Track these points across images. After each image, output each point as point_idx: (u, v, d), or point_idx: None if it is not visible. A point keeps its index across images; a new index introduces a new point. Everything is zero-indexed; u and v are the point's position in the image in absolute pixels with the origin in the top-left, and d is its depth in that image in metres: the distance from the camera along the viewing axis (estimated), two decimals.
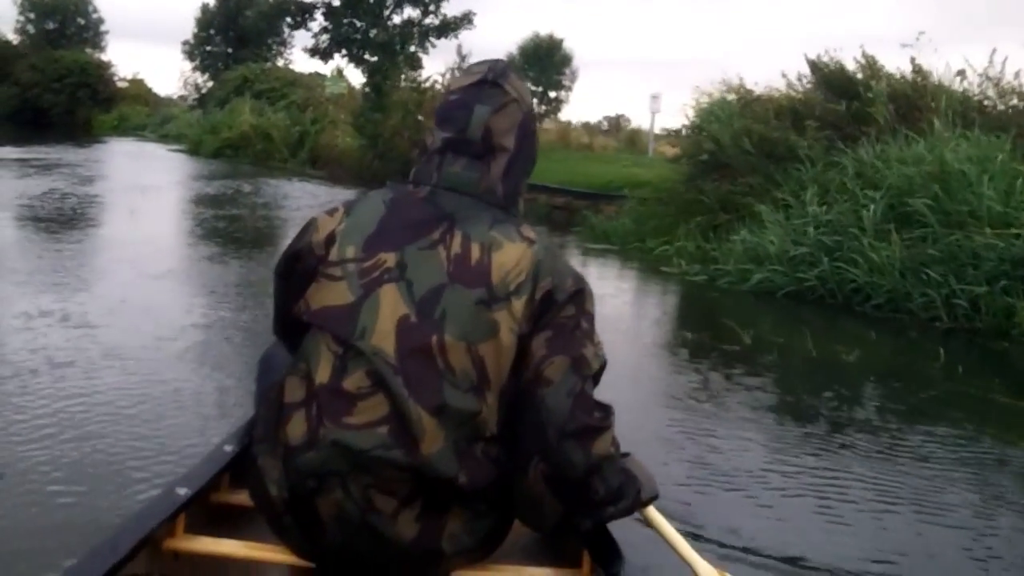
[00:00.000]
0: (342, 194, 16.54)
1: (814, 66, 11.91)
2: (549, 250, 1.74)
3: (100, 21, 48.33)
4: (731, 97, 12.32)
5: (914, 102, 10.72)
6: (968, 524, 3.63)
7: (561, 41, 35.35)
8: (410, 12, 23.76)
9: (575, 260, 9.52)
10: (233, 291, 7.49)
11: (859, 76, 11.33)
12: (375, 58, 23.53)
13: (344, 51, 23.92)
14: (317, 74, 32.48)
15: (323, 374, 1.64)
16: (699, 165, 11.58)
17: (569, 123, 29.75)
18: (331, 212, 1.81)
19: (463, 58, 22.46)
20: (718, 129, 11.29)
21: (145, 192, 15.68)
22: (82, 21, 47.61)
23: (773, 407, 5.15)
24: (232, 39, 41.13)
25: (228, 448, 2.11)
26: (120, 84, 46.18)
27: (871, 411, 5.14)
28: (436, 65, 40.58)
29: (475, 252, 1.68)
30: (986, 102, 10.80)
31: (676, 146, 13.30)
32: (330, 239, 1.74)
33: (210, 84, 40.07)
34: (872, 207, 8.82)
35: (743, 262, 9.33)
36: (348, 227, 1.75)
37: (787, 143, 10.62)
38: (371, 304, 1.66)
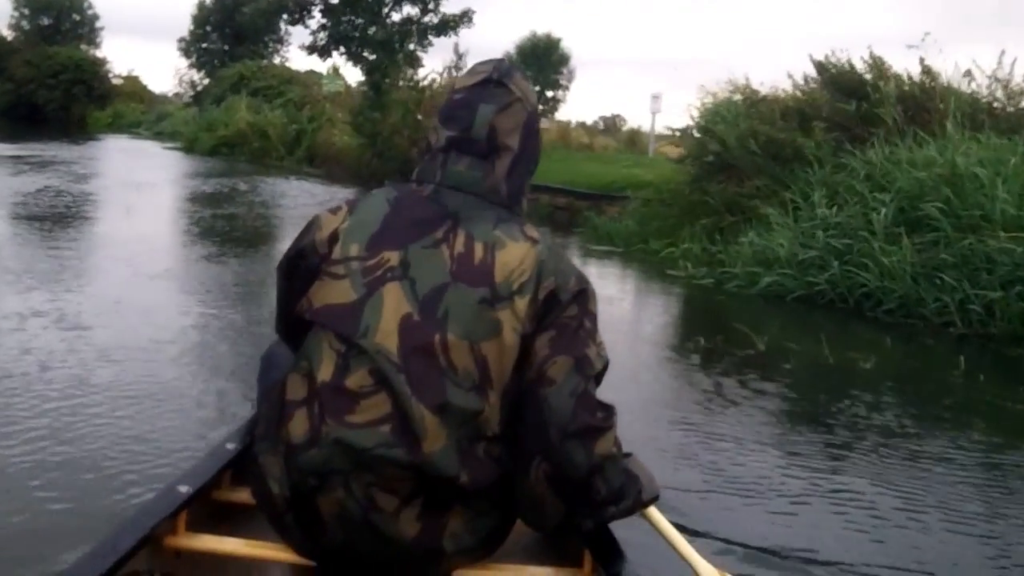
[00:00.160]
0: (340, 193, 16.45)
1: (821, 66, 11.75)
2: (552, 250, 1.74)
3: (95, 17, 48.34)
4: (737, 97, 12.15)
5: (923, 104, 10.57)
6: (994, 534, 3.53)
7: (559, 40, 35.38)
8: (409, 10, 23.58)
9: (579, 261, 9.32)
10: (231, 291, 7.37)
11: (867, 77, 11.15)
12: (374, 56, 23.34)
13: (343, 49, 23.72)
14: (313, 72, 32.38)
15: (325, 372, 1.64)
16: (704, 166, 11.41)
17: (569, 123, 29.62)
18: (334, 210, 1.81)
19: (460, 57, 22.46)
20: (724, 130, 11.11)
21: (141, 190, 15.56)
22: (77, 17, 47.52)
23: (792, 414, 5.01)
24: (229, 36, 40.96)
25: (230, 446, 2.12)
26: (115, 81, 46.23)
27: (892, 419, 4.98)
28: (433, 64, 40.46)
29: (478, 251, 1.68)
30: (995, 104, 10.64)
31: (680, 146, 13.13)
32: (333, 237, 1.74)
33: (206, 81, 39.93)
34: (882, 210, 8.65)
35: (751, 265, 9.16)
36: (351, 225, 1.74)
37: (794, 144, 10.45)
38: (374, 302, 1.66)
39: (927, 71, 10.96)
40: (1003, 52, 10.59)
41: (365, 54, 23.56)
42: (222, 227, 11.71)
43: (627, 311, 8.29)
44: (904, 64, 11.38)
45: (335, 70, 29.07)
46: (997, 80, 10.68)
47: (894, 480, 4.02)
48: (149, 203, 14.35)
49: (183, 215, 13.42)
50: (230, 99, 30.30)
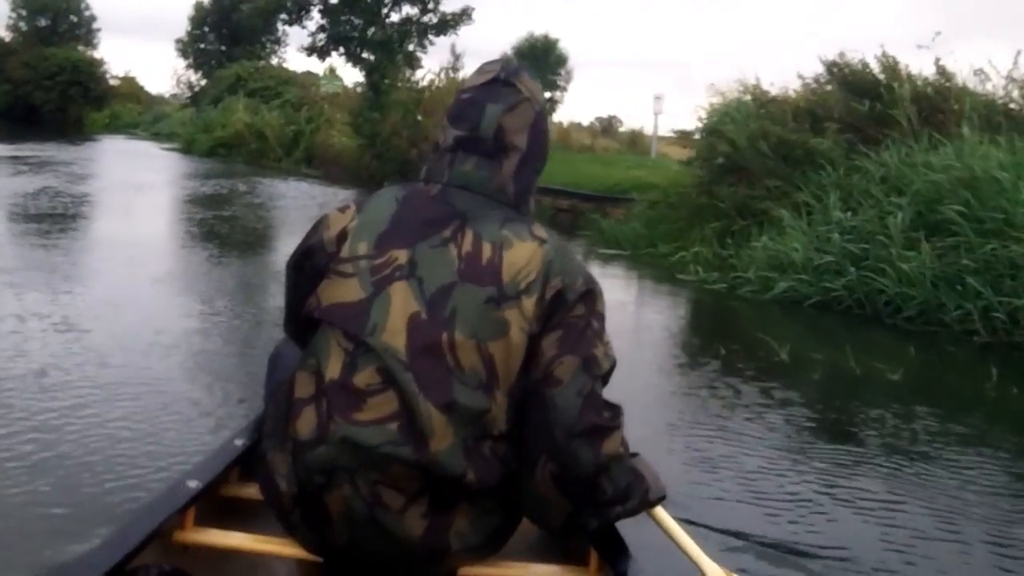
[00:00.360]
0: (340, 194, 16.29)
1: (831, 66, 11.52)
2: (560, 249, 1.73)
3: (92, 19, 48.11)
4: (747, 98, 11.92)
5: (937, 105, 10.36)
6: None
7: (556, 41, 35.26)
8: (408, 10, 23.35)
9: (586, 265, 9.09)
10: (231, 295, 7.22)
11: (880, 77, 10.92)
12: (373, 57, 23.11)
13: (342, 49, 23.48)
14: (310, 73, 32.22)
15: (333, 370, 1.64)
16: (713, 168, 11.17)
17: (562, 124, 29.38)
18: (343, 209, 1.81)
19: (457, 58, 22.22)
20: (734, 131, 10.86)
21: (139, 191, 15.45)
22: (74, 18, 47.31)
23: (828, 431, 4.78)
24: (226, 37, 40.74)
25: (238, 442, 2.13)
26: (112, 82, 46.11)
27: (928, 435, 4.73)
28: (430, 64, 40.23)
29: (486, 250, 1.68)
30: (1012, 105, 10.41)
31: (688, 147, 12.88)
32: (342, 236, 1.74)
33: (203, 82, 39.72)
34: (899, 214, 8.44)
35: (765, 270, 8.94)
36: (360, 224, 1.74)
37: (806, 146, 10.23)
38: (382, 301, 1.65)
39: (942, 71, 10.73)
40: (1019, 52, 10.37)
41: (364, 55, 23.33)
42: (221, 229, 11.55)
43: (641, 317, 8.06)
44: (914, 64, 11.05)
45: (331, 71, 28.91)
46: (1013, 80, 10.45)
47: (937, 499, 3.83)
48: (148, 204, 14.23)
49: (182, 217, 13.24)
50: (227, 100, 30.20)
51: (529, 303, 1.64)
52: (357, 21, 23.21)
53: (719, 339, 6.98)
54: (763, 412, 4.96)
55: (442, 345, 1.62)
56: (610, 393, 1.66)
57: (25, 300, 6.07)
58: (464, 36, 23.56)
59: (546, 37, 35.62)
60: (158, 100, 46.30)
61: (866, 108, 10.41)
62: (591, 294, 1.71)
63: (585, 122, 36.53)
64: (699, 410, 5.00)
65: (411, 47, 23.44)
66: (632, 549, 1.77)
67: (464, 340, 1.62)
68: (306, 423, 1.65)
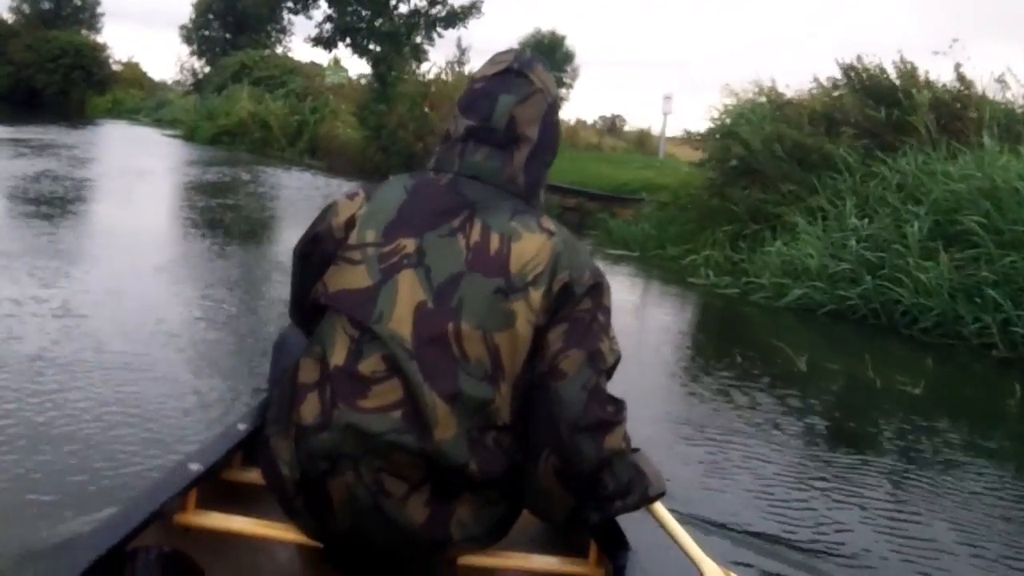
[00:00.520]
0: (345, 186, 15.96)
1: (848, 70, 11.36)
2: (568, 243, 1.73)
3: (96, 3, 47.62)
4: (761, 100, 11.75)
5: (956, 112, 10.20)
6: None
7: (563, 38, 35.08)
8: (417, 1, 23.14)
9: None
10: (233, 284, 7.08)
11: (898, 83, 10.76)
12: (380, 48, 22.90)
13: (348, 40, 23.27)
14: (314, 63, 32.02)
15: (338, 357, 1.64)
16: (726, 170, 11.00)
17: (569, 122, 29.21)
18: (351, 196, 1.81)
19: (463, 52, 22.05)
20: (749, 133, 10.69)
21: (140, 177, 15.25)
22: (78, 2, 46.93)
23: (843, 440, 4.65)
24: (231, 24, 40.55)
25: (241, 427, 2.12)
26: (115, 67, 45.82)
27: (951, 448, 4.60)
28: (436, 58, 40.02)
29: (494, 241, 1.68)
30: None
31: (699, 149, 12.73)
32: (350, 223, 1.73)
33: (207, 70, 39.51)
34: (916, 223, 8.28)
35: (778, 276, 8.78)
36: (368, 211, 1.74)
37: (821, 150, 10.06)
38: (389, 289, 1.65)
39: (961, 78, 10.57)
40: None
41: (371, 46, 23.12)
42: (224, 217, 11.38)
43: (654, 321, 7.90)
44: (930, 70, 10.84)
45: (336, 61, 28.73)
46: None
47: (959, 514, 3.73)
48: (150, 191, 14.06)
49: (184, 204, 13.06)
50: (231, 88, 29.93)
51: (536, 295, 1.64)
52: (364, 12, 22.99)
53: (734, 346, 6.83)
54: (781, 422, 4.81)
55: (448, 335, 1.62)
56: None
57: (24, 285, 5.94)
58: (470, 32, 23.41)
59: (553, 34, 35.49)
60: (161, 86, 46.09)
61: (883, 115, 10.25)
62: (598, 288, 1.71)
63: (589, 121, 36.40)
64: (716, 417, 4.84)
65: (418, 39, 23.23)
66: (632, 543, 1.77)
67: (470, 330, 1.62)
68: (310, 409, 1.64)
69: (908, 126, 9.96)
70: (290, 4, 24.59)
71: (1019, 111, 10.27)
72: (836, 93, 11.44)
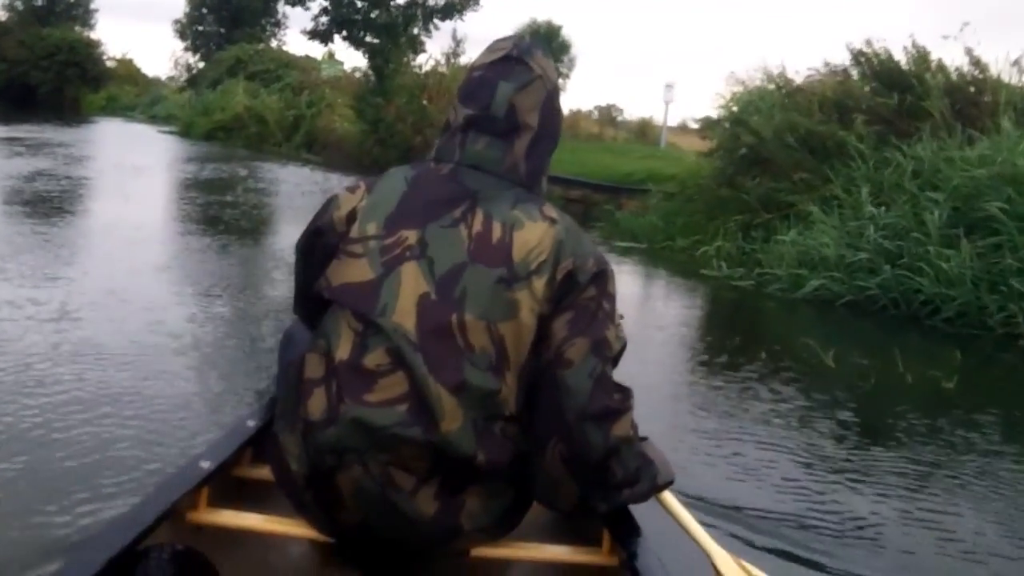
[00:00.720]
0: (344, 181, 15.77)
1: (858, 55, 11.11)
2: (571, 230, 1.72)
3: None
4: (770, 87, 11.51)
5: (971, 97, 9.97)
6: None
7: (559, 28, 34.88)
8: None
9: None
10: (234, 282, 6.92)
11: (911, 68, 10.52)
12: (376, 40, 22.65)
13: (344, 33, 23.02)
14: (308, 57, 31.76)
15: (343, 351, 1.63)
16: (736, 159, 10.76)
17: (574, 112, 29.00)
18: (352, 189, 1.80)
19: (458, 43, 21.81)
20: (759, 121, 10.44)
21: (136, 174, 15.07)
22: None
23: (886, 440, 4.42)
24: (225, 19, 40.26)
25: (251, 423, 2.14)
26: (109, 64, 45.65)
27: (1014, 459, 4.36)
28: (432, 50, 39.70)
29: (496, 231, 1.67)
30: None
31: (706, 137, 12.48)
32: (351, 216, 1.73)
33: (201, 65, 39.24)
34: (936, 211, 8.05)
35: (794, 267, 8.55)
36: (370, 204, 1.73)
37: (835, 137, 9.82)
38: (392, 281, 1.64)
39: (976, 62, 10.33)
40: None
41: (367, 38, 22.87)
42: (222, 214, 11.20)
43: (672, 315, 7.65)
44: (940, 56, 10.58)
45: (330, 55, 28.51)
46: None
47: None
48: (146, 188, 13.86)
49: (181, 201, 12.86)
50: (227, 83, 29.78)
51: (540, 284, 1.63)
52: (361, 4, 22.74)
53: (757, 340, 6.65)
54: (815, 421, 4.60)
55: (452, 326, 1.60)
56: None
57: (18, 286, 5.80)
58: (466, 23, 23.16)
59: (549, 24, 35.28)
60: (155, 82, 46.00)
61: (895, 100, 10.02)
62: (602, 275, 1.70)
63: (585, 110, 36.19)
64: (750, 416, 4.63)
65: (415, 31, 22.99)
66: (644, 532, 1.76)
67: (474, 321, 1.61)
68: (316, 404, 1.63)
69: (922, 111, 9.70)
70: None
71: None
72: (846, 79, 11.18)
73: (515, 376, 1.63)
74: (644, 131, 24.77)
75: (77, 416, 3.61)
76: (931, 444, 4.39)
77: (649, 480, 1.72)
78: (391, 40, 22.32)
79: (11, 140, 18.75)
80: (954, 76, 10.29)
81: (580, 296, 1.66)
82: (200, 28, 41.38)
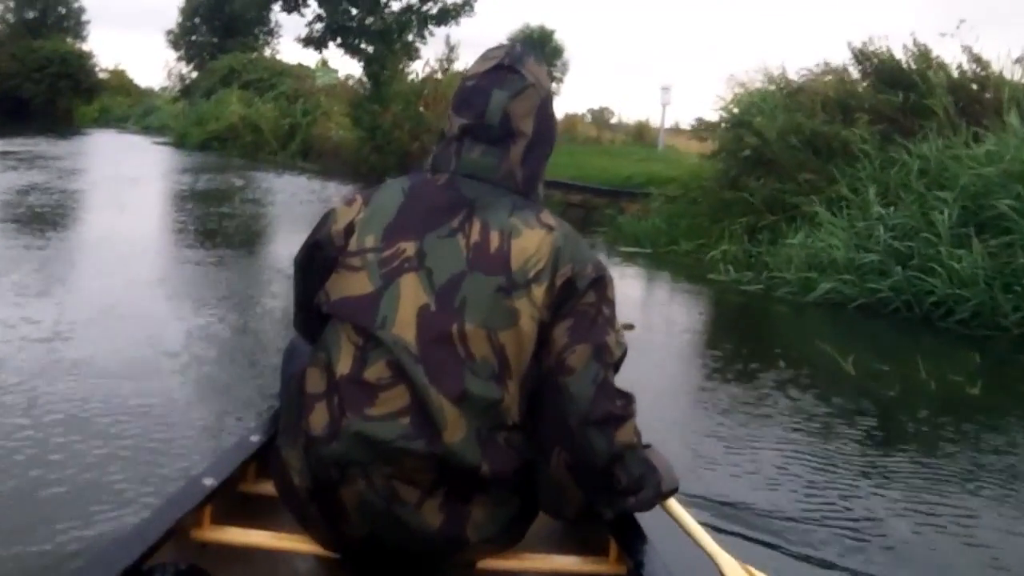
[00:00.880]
0: (342, 190, 15.75)
1: (859, 54, 10.99)
2: (568, 237, 1.72)
3: (81, 10, 47.27)
4: (771, 88, 11.38)
5: (975, 94, 9.84)
6: None
7: (552, 33, 34.72)
8: None
9: (607, 264, 8.54)
10: (231, 296, 6.82)
11: (913, 66, 10.39)
12: (371, 47, 22.49)
13: (339, 40, 22.86)
14: (302, 65, 31.64)
15: (344, 365, 1.62)
16: (739, 161, 10.61)
17: (568, 116, 28.85)
18: (349, 202, 1.81)
19: (452, 49, 21.64)
20: (762, 122, 10.30)
21: (132, 187, 14.97)
22: (63, 10, 46.55)
23: (920, 453, 4.27)
24: (218, 28, 40.00)
25: (254, 439, 2.13)
26: (101, 75, 45.61)
27: None
28: (427, 56, 39.54)
29: (494, 239, 1.67)
30: None
31: (707, 139, 12.34)
32: (349, 229, 1.72)
33: (195, 75, 39.08)
34: (945, 210, 7.92)
35: (803, 269, 8.42)
36: (367, 216, 1.72)
37: (839, 138, 9.70)
38: (391, 294, 1.64)
39: (977, 59, 10.21)
40: None
41: (362, 45, 22.72)
42: (219, 226, 11.06)
43: (680, 322, 7.49)
44: (939, 54, 10.45)
45: (323, 63, 28.37)
46: None
47: None
48: (141, 201, 13.74)
49: (177, 213, 12.72)
50: (220, 92, 29.63)
51: (539, 291, 1.63)
52: (355, 11, 22.58)
53: (774, 347, 6.48)
54: (845, 432, 4.45)
55: (452, 336, 1.60)
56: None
57: (11, 304, 5.72)
58: (460, 28, 23.08)
59: (542, 28, 35.14)
60: (148, 93, 45.93)
61: (899, 99, 9.89)
62: (601, 281, 1.70)
63: (579, 114, 36.06)
64: (777, 426, 4.50)
65: (410, 37, 22.84)
66: (651, 540, 1.75)
67: (475, 330, 1.60)
68: (319, 419, 1.63)
69: (925, 110, 9.59)
70: (281, 2, 24.14)
71: None
72: (847, 78, 11.06)
73: (517, 385, 1.62)
74: (641, 133, 24.62)
75: (71, 437, 3.53)
76: (976, 453, 4.24)
77: (654, 487, 1.73)
78: (386, 46, 22.16)
79: (4, 154, 18.65)
80: (955, 74, 10.16)
81: (579, 302, 1.66)
82: (193, 38, 41.14)
